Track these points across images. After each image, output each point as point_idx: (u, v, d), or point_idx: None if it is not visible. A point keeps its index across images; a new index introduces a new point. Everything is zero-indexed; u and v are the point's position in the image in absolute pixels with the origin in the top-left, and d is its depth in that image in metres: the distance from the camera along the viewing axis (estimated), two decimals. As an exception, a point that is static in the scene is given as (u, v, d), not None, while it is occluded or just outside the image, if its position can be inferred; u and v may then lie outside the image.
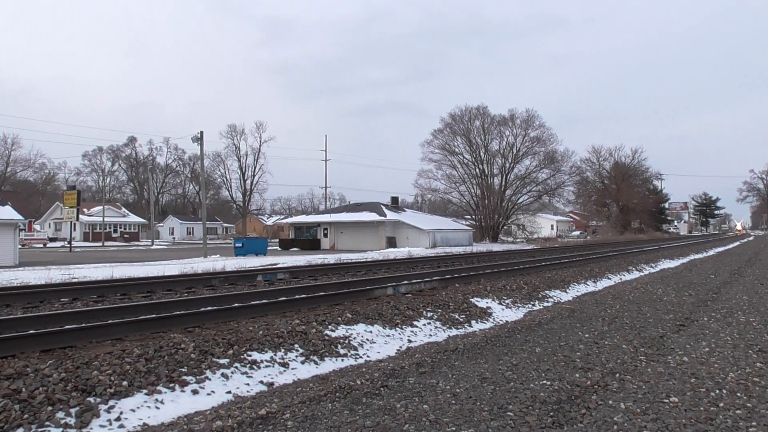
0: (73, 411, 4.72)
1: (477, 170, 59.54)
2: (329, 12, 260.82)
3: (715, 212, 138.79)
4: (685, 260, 26.48)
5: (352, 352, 7.39)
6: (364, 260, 25.70)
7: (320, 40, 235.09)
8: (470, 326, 9.51)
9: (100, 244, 63.63)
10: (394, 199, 56.63)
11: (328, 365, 6.80)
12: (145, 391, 5.29)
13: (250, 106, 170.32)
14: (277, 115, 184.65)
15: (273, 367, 6.47)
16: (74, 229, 56.14)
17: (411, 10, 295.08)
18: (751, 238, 70.31)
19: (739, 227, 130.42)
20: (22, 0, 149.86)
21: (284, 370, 6.44)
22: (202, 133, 34.52)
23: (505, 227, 64.13)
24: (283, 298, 10.17)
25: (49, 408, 4.67)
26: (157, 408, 5.07)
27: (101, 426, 4.64)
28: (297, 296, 10.54)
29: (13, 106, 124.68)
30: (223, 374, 5.99)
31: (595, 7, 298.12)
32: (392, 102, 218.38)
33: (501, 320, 10.15)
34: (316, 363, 6.82)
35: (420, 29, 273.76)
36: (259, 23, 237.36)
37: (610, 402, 4.94)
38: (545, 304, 12.13)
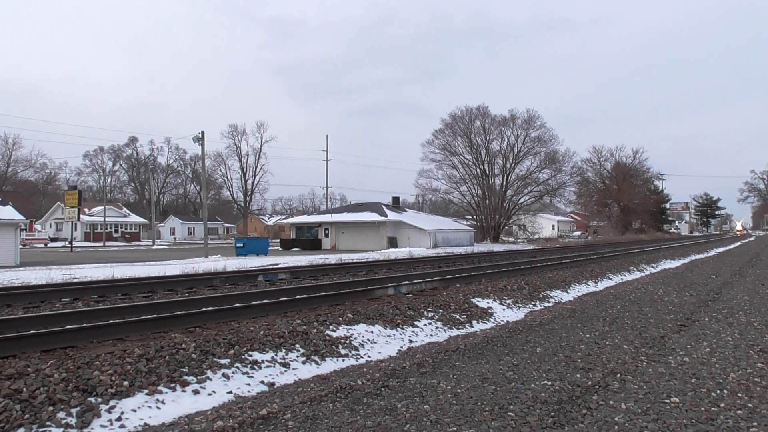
0: (74, 411, 4.73)
1: (478, 170, 59.51)
2: (335, 13, 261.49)
3: (716, 212, 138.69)
4: (686, 260, 26.46)
5: (353, 352, 7.39)
6: (365, 260, 25.70)
7: (326, 41, 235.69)
8: (471, 326, 9.50)
9: (101, 244, 63.66)
10: (395, 200, 56.64)
11: (329, 365, 6.80)
12: (146, 391, 5.29)
13: (254, 106, 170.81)
14: (281, 116, 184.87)
15: (274, 367, 6.47)
16: (75, 229, 56.17)
17: (416, 11, 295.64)
18: (752, 239, 70.23)
19: (739, 227, 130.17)
20: (26, 1, 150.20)
21: (285, 370, 6.44)
22: (203, 133, 34.55)
23: (506, 227, 64.08)
24: (284, 298, 10.18)
25: (50, 408, 4.68)
26: (158, 408, 5.07)
27: (102, 426, 4.64)
28: (298, 296, 10.54)
29: (17, 107, 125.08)
30: (224, 374, 5.99)
31: (599, 8, 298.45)
32: (396, 102, 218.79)
33: (502, 320, 10.15)
34: (317, 363, 6.82)
35: (425, 30, 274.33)
36: (265, 24, 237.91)
37: (611, 402, 4.94)
38: (546, 304, 12.13)
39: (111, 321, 7.79)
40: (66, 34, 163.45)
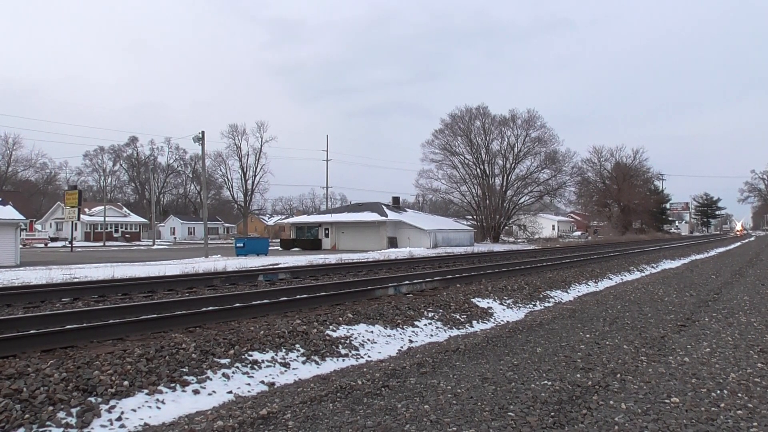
0: (74, 411, 4.73)
1: (478, 170, 59.50)
2: (336, 13, 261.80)
3: (717, 213, 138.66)
4: (686, 260, 26.46)
5: (354, 352, 7.39)
6: (366, 260, 25.70)
7: (326, 41, 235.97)
8: (471, 326, 9.51)
9: (101, 244, 63.63)
10: (396, 200, 56.63)
11: (330, 365, 6.80)
12: (146, 390, 5.29)
13: (254, 106, 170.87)
14: (281, 116, 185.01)
15: (274, 367, 6.47)
16: (75, 229, 56.17)
17: (417, 11, 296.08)
18: (752, 239, 70.21)
19: (739, 228, 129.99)
20: (26, 1, 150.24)
21: (285, 370, 6.44)
22: (203, 132, 34.56)
23: (507, 227, 64.06)
24: (285, 298, 10.18)
25: (50, 408, 4.68)
26: (158, 408, 5.07)
27: (102, 426, 4.64)
28: (298, 296, 10.54)
29: (17, 107, 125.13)
30: (224, 374, 6.00)
31: (599, 8, 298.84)
32: (396, 103, 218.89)
33: (502, 320, 10.15)
34: (317, 363, 6.82)
35: (426, 31, 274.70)
36: (265, 24, 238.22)
37: (611, 402, 4.94)
38: (546, 304, 12.13)
39: (111, 321, 7.79)
40: (66, 34, 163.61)
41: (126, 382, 5.33)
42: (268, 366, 6.45)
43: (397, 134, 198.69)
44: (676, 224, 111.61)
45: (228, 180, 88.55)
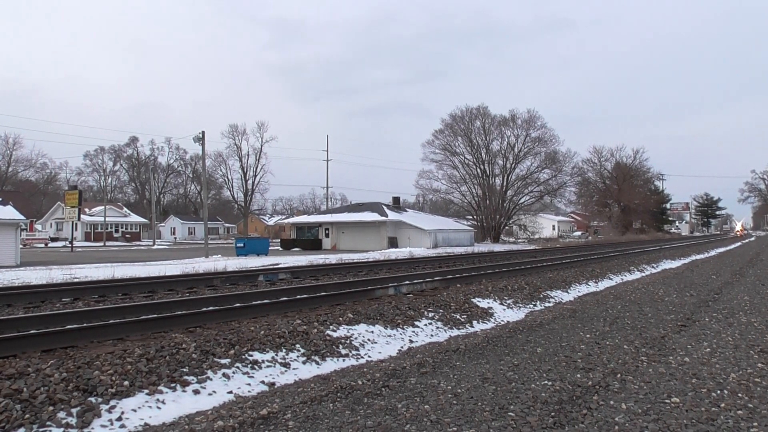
0: (74, 411, 4.73)
1: (478, 170, 59.52)
2: (337, 14, 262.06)
3: (717, 213, 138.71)
4: (686, 260, 26.45)
5: (354, 352, 7.39)
6: (366, 260, 25.69)
7: (327, 41, 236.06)
8: (472, 326, 9.50)
9: (101, 244, 63.62)
10: (396, 200, 56.63)
11: (330, 365, 6.80)
12: (146, 391, 5.29)
13: (255, 106, 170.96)
14: (281, 116, 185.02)
15: (274, 367, 6.47)
16: (75, 229, 56.18)
17: (418, 11, 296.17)
18: (752, 239, 70.19)
19: (739, 228, 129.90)
20: (26, 1, 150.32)
21: (285, 370, 6.45)
22: (203, 132, 34.55)
23: (507, 227, 64.04)
24: (285, 298, 10.18)
25: (51, 408, 4.68)
26: (159, 408, 5.07)
27: (102, 426, 4.64)
28: (298, 296, 10.55)
29: (17, 107, 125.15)
30: (224, 374, 5.99)
31: (600, 8, 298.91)
32: (397, 103, 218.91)
33: (502, 320, 10.15)
34: (317, 363, 6.82)
35: (426, 31, 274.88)
36: (266, 25, 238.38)
37: (612, 402, 4.94)
38: (547, 304, 12.12)
39: (111, 321, 7.79)
40: (66, 34, 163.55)
41: (126, 382, 5.33)
42: (268, 366, 6.45)
43: (398, 134, 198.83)
44: (677, 224, 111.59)
45: (228, 180, 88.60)
